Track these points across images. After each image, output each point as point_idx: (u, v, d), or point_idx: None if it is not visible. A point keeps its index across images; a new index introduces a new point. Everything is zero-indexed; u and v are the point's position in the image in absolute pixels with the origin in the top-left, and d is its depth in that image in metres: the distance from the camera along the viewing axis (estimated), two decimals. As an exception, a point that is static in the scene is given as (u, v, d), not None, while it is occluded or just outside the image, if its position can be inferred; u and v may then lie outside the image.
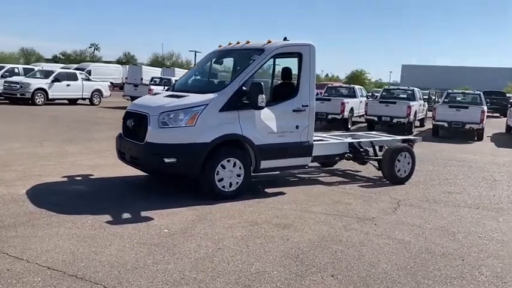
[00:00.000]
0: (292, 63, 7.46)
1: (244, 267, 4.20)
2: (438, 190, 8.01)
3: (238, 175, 6.62)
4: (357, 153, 8.49)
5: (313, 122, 7.34)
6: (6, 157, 8.82)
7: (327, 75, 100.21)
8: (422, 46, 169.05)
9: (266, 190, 7.29)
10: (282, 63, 7.67)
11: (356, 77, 62.00)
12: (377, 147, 9.00)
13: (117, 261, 4.16)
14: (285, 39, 7.33)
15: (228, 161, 6.49)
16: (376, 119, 18.54)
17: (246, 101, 6.51)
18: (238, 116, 6.54)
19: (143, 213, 5.62)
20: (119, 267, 4.03)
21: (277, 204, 6.46)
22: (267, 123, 6.80)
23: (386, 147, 8.81)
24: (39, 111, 18.94)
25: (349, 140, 8.83)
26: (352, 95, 21.32)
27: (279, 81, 7.71)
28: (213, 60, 7.92)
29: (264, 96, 6.38)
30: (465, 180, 9.11)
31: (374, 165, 8.87)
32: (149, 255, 4.36)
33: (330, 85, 25.77)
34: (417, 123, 20.67)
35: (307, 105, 7.20)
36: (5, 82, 22.64)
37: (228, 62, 7.84)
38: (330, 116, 18.78)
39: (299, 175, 8.67)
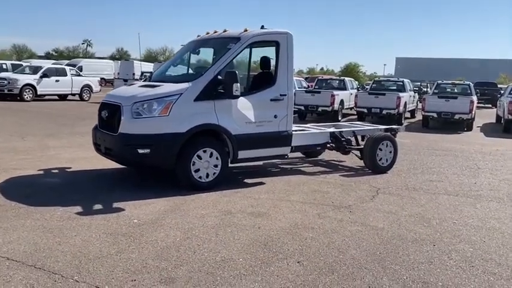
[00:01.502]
0: (270, 52, 7.38)
1: (210, 256, 4.15)
2: (420, 178, 7.98)
3: (215, 165, 6.55)
4: (338, 142, 8.44)
5: (291, 111, 7.28)
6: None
7: (322, 68, 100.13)
8: (417, 39, 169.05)
9: (245, 180, 7.23)
10: (260, 52, 7.59)
11: (350, 70, 61.87)
12: (359, 137, 8.96)
13: (80, 252, 4.09)
14: (262, 27, 7.26)
15: (205, 151, 6.43)
16: (365, 110, 18.50)
17: (222, 90, 6.44)
18: (214, 105, 6.47)
19: (115, 205, 5.56)
20: (80, 257, 3.97)
21: (254, 194, 6.40)
22: (244, 112, 6.73)
23: (369, 136, 8.77)
24: (26, 106, 18.80)
25: (331, 129, 8.78)
26: (343, 87, 21.24)
27: (258, 71, 7.64)
28: (191, 50, 7.83)
29: (238, 85, 6.30)
30: (449, 168, 9.09)
31: (356, 155, 8.83)
32: (114, 245, 4.30)
33: (320, 77, 25.70)
34: (408, 115, 20.65)
35: (285, 95, 7.13)
36: (-8, 78, 22.48)
37: (206, 51, 7.75)
38: (320, 109, 18.70)
39: (281, 165, 8.62)
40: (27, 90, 22.24)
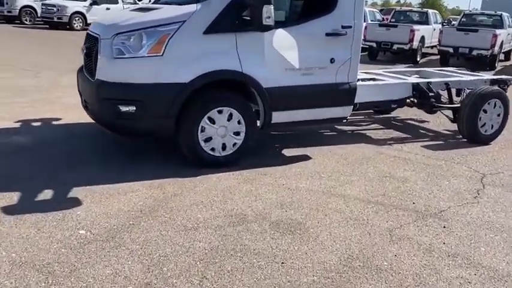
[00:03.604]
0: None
1: None
2: (544, 158, 5.39)
3: (236, 133, 4.42)
4: (423, 98, 5.93)
5: (357, 53, 4.86)
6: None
7: (398, 1, 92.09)
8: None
9: (284, 152, 5.07)
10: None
11: (430, 4, 55.35)
12: (453, 91, 6.35)
13: None
14: None
15: (220, 112, 4.29)
16: (451, 50, 15.17)
17: (247, 18, 4.15)
18: (236, 41, 4.22)
19: (72, 193, 3.65)
20: None
21: (291, 178, 4.26)
22: (283, 54, 4.43)
23: (468, 90, 6.15)
24: (69, 36, 17.33)
25: (414, 79, 6.24)
26: (425, 21, 17.71)
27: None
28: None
29: (272, 9, 3.97)
30: None
31: (447, 116, 6.29)
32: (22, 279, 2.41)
33: (398, 9, 22.00)
34: (502, 57, 16.97)
35: (349, 27, 4.70)
36: (42, 5, 21.26)
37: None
38: (395, 46, 15.58)
39: (338, 127, 6.30)
40: (76, 18, 20.80)
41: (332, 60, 4.68)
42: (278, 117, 4.56)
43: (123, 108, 4.05)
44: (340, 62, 4.73)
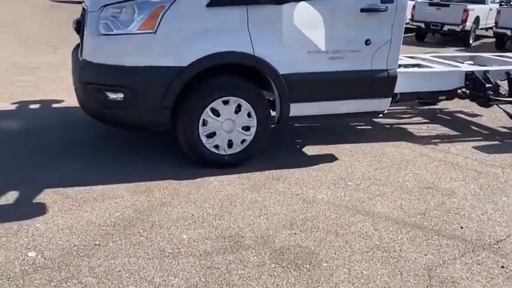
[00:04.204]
0: None
1: None
2: None
3: (246, 128, 3.69)
4: (479, 90, 4.96)
5: (400, 34, 3.97)
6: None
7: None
8: None
9: (305, 150, 4.29)
10: None
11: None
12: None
13: None
14: None
15: (226, 102, 3.55)
16: (509, 32, 13.67)
17: (261, -13, 3.37)
18: (247, 16, 3.44)
19: (42, 197, 3.05)
20: None
21: (308, 186, 3.50)
22: (305, 33, 3.62)
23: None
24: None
25: (468, 67, 5.25)
26: (480, 0, 16.13)
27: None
28: None
29: (290, -25, 3.16)
30: None
31: (505, 111, 5.31)
32: None
33: (451, -13, 20.24)
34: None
35: (391, 1, 3.81)
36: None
37: None
38: (446, 27, 14.20)
39: (375, 119, 5.43)
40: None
41: (367, 42, 3.82)
42: (297, 109, 3.78)
43: (111, 96, 3.38)
44: (378, 45, 3.86)
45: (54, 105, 5.15)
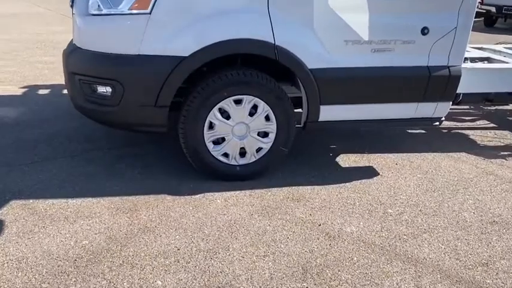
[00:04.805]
0: None
1: None
2: None
3: (263, 133, 2.99)
4: None
5: (469, 21, 3.07)
6: (8, 45, 6.38)
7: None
8: None
9: (339, 160, 3.53)
10: None
11: None
12: None
13: None
14: None
15: (238, 102, 2.86)
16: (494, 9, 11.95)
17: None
18: (267, -5, 2.71)
19: (3, 212, 2.52)
20: None
21: (336, 212, 2.76)
22: (343, 16, 2.83)
23: None
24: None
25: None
26: None
27: None
28: None
29: None
30: None
31: None
32: None
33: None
34: None
35: (458, -22, 2.94)
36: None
37: None
38: (520, 12, 12.65)
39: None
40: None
41: (424, 31, 2.97)
42: (329, 113, 3.03)
43: (99, 89, 2.79)
44: (438, 34, 3.00)
45: (64, 92, 4.66)
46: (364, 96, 3.04)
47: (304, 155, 3.51)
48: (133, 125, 2.88)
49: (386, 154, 3.69)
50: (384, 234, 2.57)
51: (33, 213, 2.51)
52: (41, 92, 4.63)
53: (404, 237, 2.57)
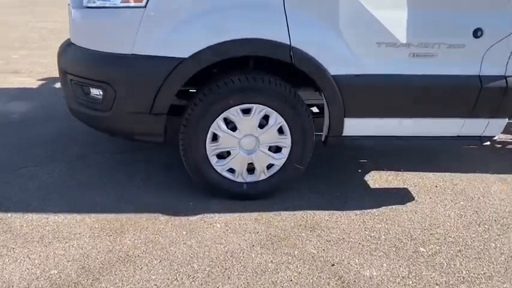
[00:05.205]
0: None
1: None
2: None
3: (275, 149, 2.58)
4: None
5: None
6: (31, 34, 6.27)
7: None
8: None
9: (368, 178, 3.06)
10: None
11: None
12: None
13: None
14: None
15: (246, 111, 2.45)
16: None
17: None
18: (282, -13, 2.28)
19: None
20: None
21: (354, 249, 2.32)
22: (374, 13, 2.35)
23: None
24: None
25: None
26: None
27: None
28: None
29: None
30: None
31: None
32: None
33: None
34: None
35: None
36: None
37: None
38: None
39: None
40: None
41: (477, 33, 2.44)
42: (355, 127, 2.57)
43: (92, 92, 2.47)
44: (494, 38, 2.46)
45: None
46: (398, 109, 2.55)
47: (326, 168, 3.07)
48: (127, 133, 2.55)
49: (425, 173, 3.18)
50: (410, 282, 2.11)
51: (7, 231, 2.24)
52: (58, 85, 4.42)
53: (462, 259, 2.10)
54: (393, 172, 3.16)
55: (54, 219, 2.36)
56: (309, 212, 2.59)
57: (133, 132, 2.50)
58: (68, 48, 2.56)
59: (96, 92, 2.45)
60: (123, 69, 2.32)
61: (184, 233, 2.33)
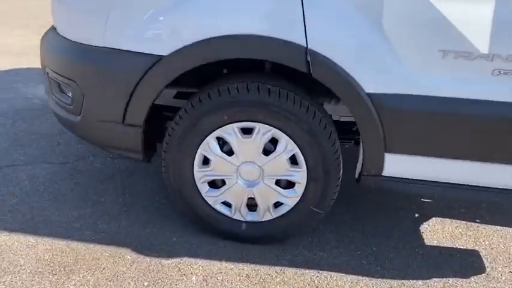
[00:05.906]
0: None
1: None
2: None
3: (288, 184, 1.91)
4: None
5: None
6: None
7: None
8: None
9: (426, 230, 2.27)
10: None
11: None
12: None
13: None
14: None
15: (247, 131, 1.82)
16: None
17: None
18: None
19: None
20: None
21: None
22: (439, 8, 1.56)
23: None
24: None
25: None
26: None
27: None
28: None
29: None
30: None
31: None
32: None
33: None
34: None
35: None
36: None
37: None
38: None
39: None
40: None
41: None
42: (400, 166, 1.81)
43: (65, 90, 2.01)
44: None
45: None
46: (468, 148, 1.74)
47: (362, 207, 2.33)
48: (100, 145, 2.04)
49: (507, 229, 2.30)
50: None
51: None
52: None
53: None
54: (464, 223, 2.33)
55: (3, 240, 1.96)
56: (324, 273, 1.91)
57: (108, 145, 1.99)
58: (49, 35, 2.12)
59: (67, 91, 1.98)
60: (91, 65, 1.81)
61: (146, 284, 1.79)
